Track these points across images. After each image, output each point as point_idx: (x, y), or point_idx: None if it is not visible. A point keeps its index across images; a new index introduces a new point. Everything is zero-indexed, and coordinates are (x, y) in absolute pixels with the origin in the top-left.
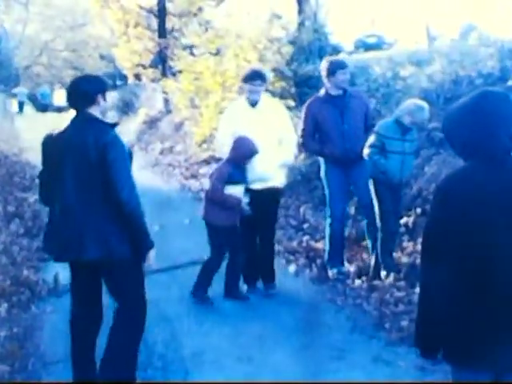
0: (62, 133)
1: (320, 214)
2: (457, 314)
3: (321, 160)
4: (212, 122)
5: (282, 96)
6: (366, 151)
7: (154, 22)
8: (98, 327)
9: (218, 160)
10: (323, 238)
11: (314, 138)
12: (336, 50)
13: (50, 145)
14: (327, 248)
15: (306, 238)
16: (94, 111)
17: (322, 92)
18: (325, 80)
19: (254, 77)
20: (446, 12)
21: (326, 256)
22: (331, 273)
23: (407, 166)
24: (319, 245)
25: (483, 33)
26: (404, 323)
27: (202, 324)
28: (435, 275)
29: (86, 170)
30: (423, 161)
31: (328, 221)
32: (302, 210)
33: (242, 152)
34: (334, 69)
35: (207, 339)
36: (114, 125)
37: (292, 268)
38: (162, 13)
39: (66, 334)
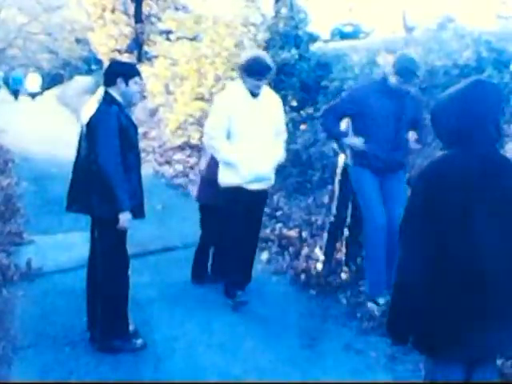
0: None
1: (293, 203)
2: (431, 301)
3: (349, 158)
4: (187, 109)
5: None
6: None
7: (131, 7)
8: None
9: (192, 147)
10: (296, 226)
11: (338, 120)
12: (312, 38)
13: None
14: (367, 269)
15: (279, 225)
16: (114, 91)
17: (377, 78)
18: (387, 69)
19: (264, 72)
20: (423, 2)
21: (367, 282)
22: (372, 306)
23: None
24: (292, 233)
25: (460, 24)
26: (376, 312)
27: (173, 311)
28: (412, 262)
29: (84, 137)
30: None
31: (367, 229)
32: (275, 197)
33: None
34: (399, 71)
35: (178, 326)
36: (119, 104)
37: (264, 256)
38: None
39: (37, 319)
